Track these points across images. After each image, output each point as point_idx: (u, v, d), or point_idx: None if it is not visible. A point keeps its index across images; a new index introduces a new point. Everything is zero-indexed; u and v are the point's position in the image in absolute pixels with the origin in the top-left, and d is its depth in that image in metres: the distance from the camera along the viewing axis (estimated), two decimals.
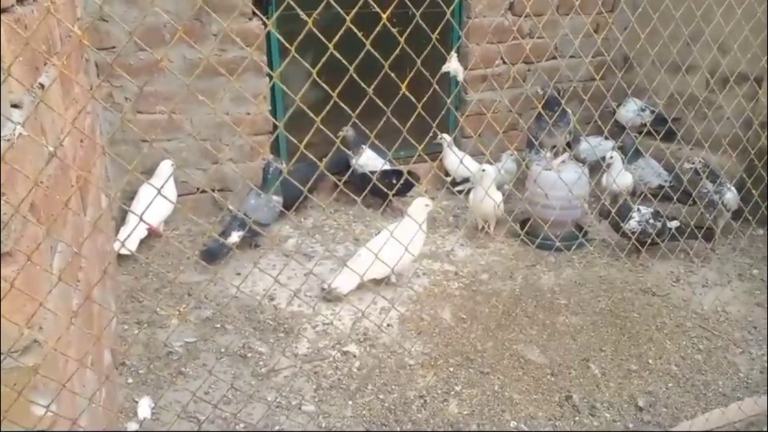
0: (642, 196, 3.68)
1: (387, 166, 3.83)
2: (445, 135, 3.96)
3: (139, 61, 3.36)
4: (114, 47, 3.32)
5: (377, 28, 1.26)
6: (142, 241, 3.23)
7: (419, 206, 3.02)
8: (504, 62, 4.37)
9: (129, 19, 3.30)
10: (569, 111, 3.55)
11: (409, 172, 3.69)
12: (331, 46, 1.12)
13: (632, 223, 3.21)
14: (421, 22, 1.39)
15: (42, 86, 1.46)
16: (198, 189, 3.59)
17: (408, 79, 1.57)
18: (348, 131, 3.62)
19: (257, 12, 3.49)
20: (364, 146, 3.82)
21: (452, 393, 2.37)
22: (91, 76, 3.06)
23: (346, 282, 2.85)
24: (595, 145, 4.03)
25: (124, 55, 3.33)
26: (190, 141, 3.63)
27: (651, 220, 3.22)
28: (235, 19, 3.47)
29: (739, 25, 2.33)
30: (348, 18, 1.12)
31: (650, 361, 2.58)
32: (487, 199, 3.29)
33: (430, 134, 2.03)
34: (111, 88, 3.42)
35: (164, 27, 3.35)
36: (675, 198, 2.90)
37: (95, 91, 3.00)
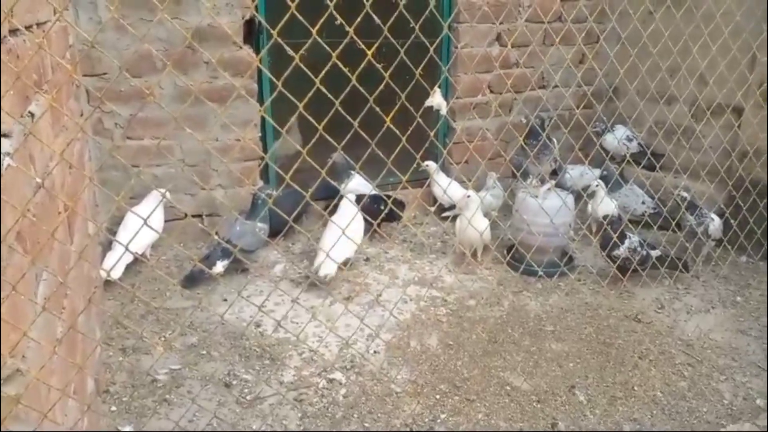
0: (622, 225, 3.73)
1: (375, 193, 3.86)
2: (430, 162, 4.01)
3: (130, 87, 3.39)
4: (105, 74, 3.35)
5: (362, 64, 1.30)
6: (129, 267, 3.22)
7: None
8: (491, 91, 4.45)
9: (121, 46, 3.35)
10: (554, 139, 3.61)
11: (395, 200, 3.72)
12: (317, 81, 1.15)
13: (622, 249, 3.24)
14: (405, 58, 1.43)
15: (32, 115, 1.48)
16: (186, 214, 3.60)
17: (395, 110, 1.61)
18: (337, 157, 3.66)
19: (243, 47, 3.55)
20: (352, 172, 3.86)
21: (438, 421, 2.36)
22: (81, 102, 3.08)
23: (329, 265, 3.12)
24: (578, 175, 4.10)
25: (115, 81, 3.36)
26: (181, 167, 3.65)
27: (638, 248, 3.27)
28: (227, 47, 3.52)
29: (722, 55, 2.40)
30: (333, 55, 1.15)
31: (635, 387, 2.59)
32: (474, 224, 3.32)
33: (415, 164, 2.06)
34: (101, 114, 3.44)
35: (156, 54, 3.39)
36: (660, 224, 2.95)
37: (85, 121, 3.01)
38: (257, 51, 3.70)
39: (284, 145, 3.80)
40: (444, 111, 3.84)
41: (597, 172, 4.02)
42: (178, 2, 3.38)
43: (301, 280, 3.36)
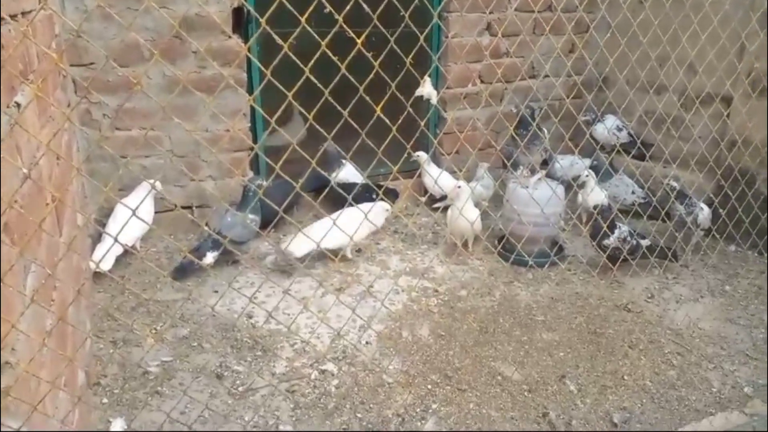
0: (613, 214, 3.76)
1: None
2: (421, 153, 4.00)
3: (118, 77, 3.35)
4: (93, 63, 3.31)
5: (352, 53, 1.29)
6: (119, 258, 3.20)
7: (379, 210, 3.37)
8: (481, 81, 4.44)
9: (108, 35, 3.30)
10: (544, 129, 3.62)
11: (388, 189, 3.72)
12: (306, 70, 1.14)
13: (612, 238, 3.26)
14: (396, 47, 1.42)
15: (18, 105, 1.45)
16: (176, 206, 3.58)
17: (384, 100, 1.60)
18: (328, 146, 3.64)
19: (232, 36, 3.52)
20: (344, 162, 3.85)
21: (430, 411, 2.37)
22: (68, 93, 3.04)
23: (299, 246, 3.10)
24: (568, 165, 4.10)
25: (102, 71, 3.32)
26: (169, 157, 3.62)
27: (628, 238, 3.28)
28: (215, 37, 3.48)
29: (711, 44, 2.40)
30: (323, 43, 1.14)
31: (625, 377, 2.61)
32: (464, 214, 3.33)
33: (405, 154, 2.06)
34: (89, 105, 3.40)
35: (143, 44, 3.35)
36: (650, 214, 2.96)
37: (71, 111, 2.98)
38: (246, 40, 3.67)
39: (274, 135, 3.77)
40: (434, 101, 3.83)
41: (587, 161, 4.03)
42: None
43: (293, 270, 3.36)
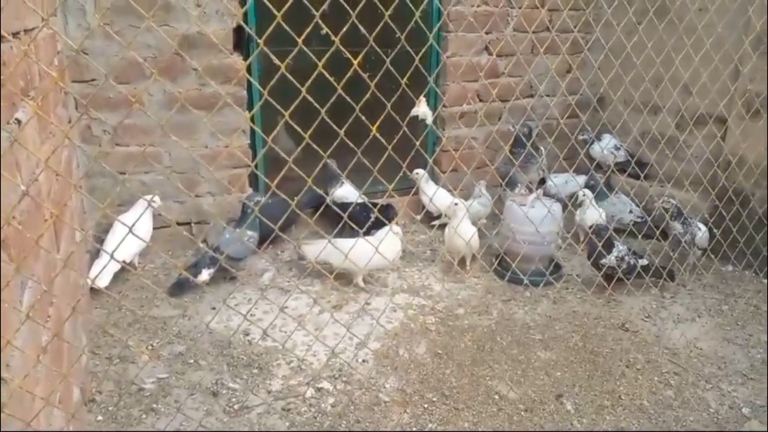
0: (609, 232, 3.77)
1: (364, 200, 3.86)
2: (420, 170, 4.02)
3: (118, 94, 3.38)
4: (94, 80, 3.34)
5: (349, 73, 1.31)
6: (117, 274, 3.20)
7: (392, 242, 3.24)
8: (479, 100, 4.48)
9: (110, 52, 3.33)
10: (541, 148, 3.64)
11: (385, 206, 3.72)
12: (303, 90, 1.16)
13: (610, 258, 3.27)
14: (391, 68, 1.44)
15: (18, 122, 1.47)
16: (174, 222, 3.58)
17: (381, 119, 1.62)
18: (329, 162, 3.67)
19: (233, 54, 3.56)
20: (342, 180, 3.87)
21: (426, 430, 2.36)
22: (69, 109, 3.07)
23: (313, 251, 3.15)
24: (563, 182, 4.13)
25: (103, 88, 3.35)
26: (168, 173, 3.64)
27: (626, 257, 3.29)
28: (215, 55, 3.52)
29: (704, 66, 2.43)
30: (320, 64, 1.16)
31: (622, 396, 2.60)
32: (461, 232, 3.34)
33: (401, 172, 2.07)
34: (89, 121, 3.42)
35: (144, 61, 3.39)
36: (646, 233, 2.97)
37: (71, 128, 3.00)
38: (247, 58, 3.71)
39: (273, 151, 3.79)
40: (430, 121, 3.86)
41: (581, 179, 4.05)
42: (167, 9, 3.38)
43: (290, 288, 3.35)
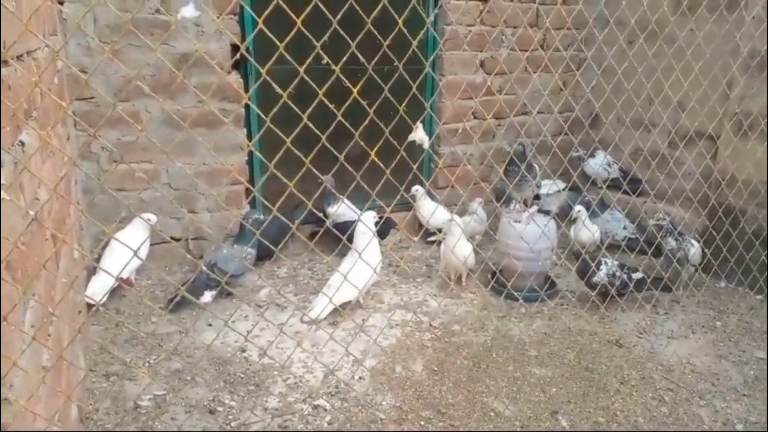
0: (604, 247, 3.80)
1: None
2: (418, 187, 4.06)
3: (117, 112, 3.40)
4: (93, 98, 3.37)
5: (348, 101, 1.34)
6: (114, 291, 3.21)
7: (368, 218, 3.33)
8: (475, 117, 4.53)
9: (109, 71, 3.37)
10: (535, 165, 3.69)
11: (388, 218, 3.75)
12: (305, 117, 1.19)
13: (600, 275, 3.30)
14: (389, 96, 1.48)
15: (22, 144, 1.50)
16: (171, 239, 3.61)
17: (380, 143, 1.65)
18: (328, 179, 3.69)
19: (231, 73, 3.60)
20: (341, 197, 3.90)
21: None
22: (68, 127, 3.10)
23: (322, 309, 3.09)
24: (548, 190, 4.17)
25: (102, 106, 3.38)
26: (167, 190, 3.66)
27: (617, 272, 3.32)
28: (215, 74, 3.56)
29: (694, 90, 2.48)
30: (320, 92, 1.19)
31: (617, 413, 2.62)
32: (457, 249, 3.37)
33: (402, 191, 2.11)
34: (88, 138, 3.45)
35: (144, 79, 3.42)
36: (640, 249, 3.01)
37: (71, 145, 3.03)
38: (246, 77, 3.76)
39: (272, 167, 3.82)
40: (426, 146, 3.90)
41: (562, 184, 4.11)
42: (167, 29, 3.42)
43: (287, 304, 3.37)
